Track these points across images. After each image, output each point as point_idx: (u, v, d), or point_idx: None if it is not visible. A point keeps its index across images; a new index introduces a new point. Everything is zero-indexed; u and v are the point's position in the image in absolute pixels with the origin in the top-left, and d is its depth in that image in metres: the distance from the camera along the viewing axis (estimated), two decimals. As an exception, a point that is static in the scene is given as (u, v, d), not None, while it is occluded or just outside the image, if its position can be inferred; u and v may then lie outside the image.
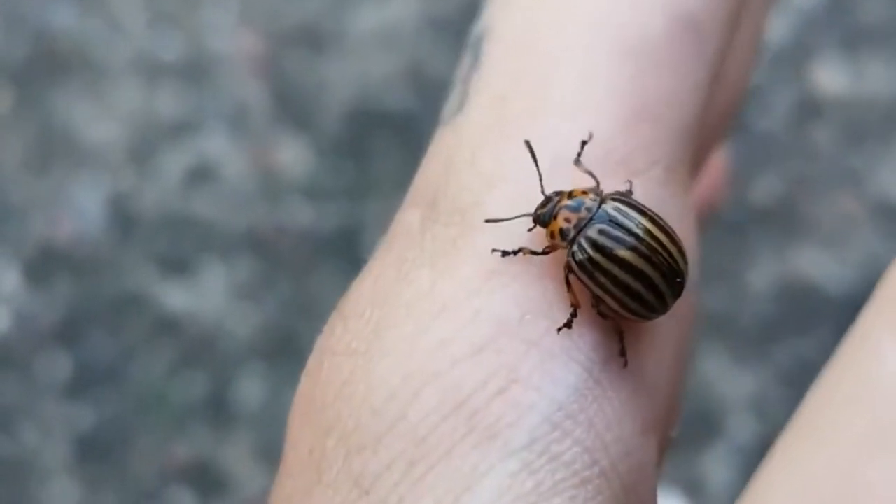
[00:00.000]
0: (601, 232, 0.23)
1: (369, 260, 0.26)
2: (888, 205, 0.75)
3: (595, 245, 0.22)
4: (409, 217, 0.25)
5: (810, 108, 0.76)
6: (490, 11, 0.27)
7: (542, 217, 0.23)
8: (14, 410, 0.74)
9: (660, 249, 0.23)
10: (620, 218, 0.22)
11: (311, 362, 0.25)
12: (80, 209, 0.79)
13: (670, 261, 0.23)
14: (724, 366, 0.72)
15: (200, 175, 0.78)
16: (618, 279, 0.22)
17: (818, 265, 0.74)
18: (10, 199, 0.79)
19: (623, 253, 0.22)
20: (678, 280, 0.23)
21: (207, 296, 0.76)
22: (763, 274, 0.74)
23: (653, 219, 0.23)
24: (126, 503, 0.72)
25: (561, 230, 0.23)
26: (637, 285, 0.22)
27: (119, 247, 0.78)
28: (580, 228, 0.23)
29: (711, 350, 0.72)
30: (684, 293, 0.24)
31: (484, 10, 0.27)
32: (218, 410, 0.73)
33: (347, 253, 0.75)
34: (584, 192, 0.23)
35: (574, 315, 0.23)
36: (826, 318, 0.73)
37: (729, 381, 0.72)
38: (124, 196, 0.79)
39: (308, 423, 0.25)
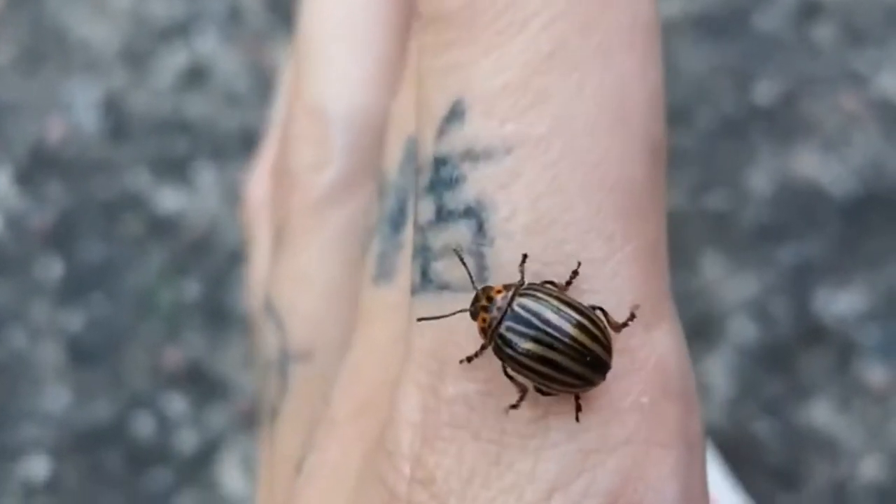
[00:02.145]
0: (507, 329, 0.24)
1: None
2: (891, 105, 0.73)
3: (504, 340, 0.24)
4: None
5: (812, 8, 0.73)
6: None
7: (471, 314, 0.25)
8: (4, 314, 0.73)
9: (562, 335, 0.24)
10: (524, 314, 0.24)
11: None
12: (72, 111, 0.77)
13: (573, 344, 0.24)
14: (724, 269, 0.69)
15: (193, 76, 0.76)
16: (531, 367, 0.24)
17: (820, 166, 0.72)
18: (1, 101, 0.78)
19: (527, 345, 0.24)
20: (591, 359, 0.24)
21: (201, 197, 0.74)
22: (764, 175, 0.71)
23: (558, 308, 0.24)
24: (118, 408, 0.70)
25: (482, 329, 0.25)
26: (549, 370, 0.24)
27: (111, 149, 0.75)
28: (493, 327, 0.24)
29: (711, 253, 0.70)
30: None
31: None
32: (212, 315, 0.71)
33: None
34: (500, 291, 0.24)
35: (521, 398, 0.24)
36: (828, 220, 0.71)
37: (729, 284, 0.69)
38: (117, 97, 0.77)
39: None
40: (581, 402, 0.24)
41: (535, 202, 0.24)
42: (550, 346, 0.24)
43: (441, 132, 0.24)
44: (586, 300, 0.25)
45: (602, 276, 0.25)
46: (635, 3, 0.25)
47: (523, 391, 0.24)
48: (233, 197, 0.73)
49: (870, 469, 0.67)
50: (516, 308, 0.24)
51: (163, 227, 0.74)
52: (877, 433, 0.67)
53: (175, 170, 0.75)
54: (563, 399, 0.24)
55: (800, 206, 0.72)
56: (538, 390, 0.24)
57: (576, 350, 0.24)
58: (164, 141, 0.75)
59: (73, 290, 0.73)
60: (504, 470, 0.24)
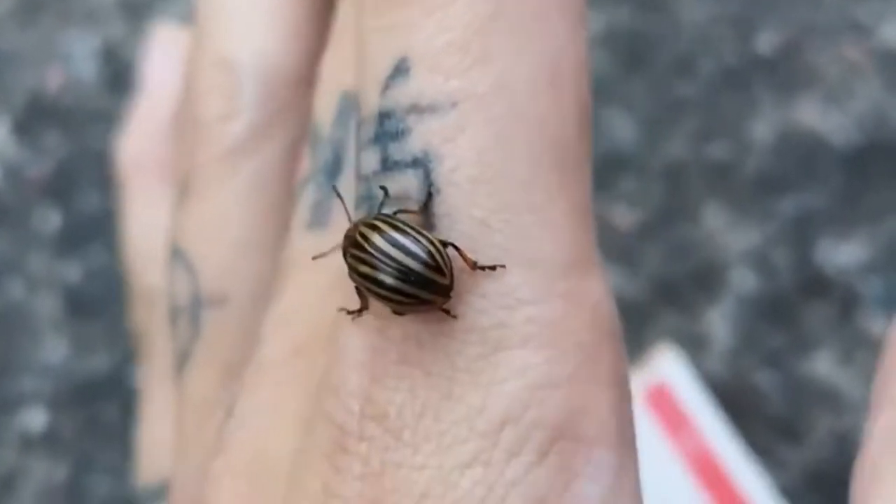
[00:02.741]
0: (350, 255, 0.26)
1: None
2: (894, 56, 0.72)
3: (348, 265, 0.26)
4: None
5: (815, -45, 0.73)
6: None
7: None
8: (2, 266, 0.72)
9: (387, 259, 0.25)
10: (360, 241, 0.26)
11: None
12: (71, 61, 0.76)
13: (399, 267, 0.25)
14: (725, 219, 0.69)
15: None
16: (371, 289, 0.26)
17: (822, 117, 0.71)
18: None
19: (362, 268, 0.26)
20: (423, 280, 0.25)
21: None
22: (766, 125, 0.71)
23: (387, 232, 0.25)
24: (116, 360, 0.70)
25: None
26: (385, 292, 0.25)
27: (110, 99, 0.74)
28: (344, 255, 0.26)
29: (713, 204, 0.69)
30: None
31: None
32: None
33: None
34: (353, 225, 0.26)
35: (360, 311, 0.26)
36: (830, 170, 0.70)
37: (731, 234, 0.69)
38: (115, 48, 0.76)
39: None
40: (526, 340, 0.25)
41: (480, 155, 0.25)
42: (378, 268, 0.25)
43: (385, 87, 0.26)
44: (529, 247, 0.25)
45: (542, 223, 0.25)
46: None
47: (365, 307, 0.26)
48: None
49: (872, 421, 0.66)
50: (358, 238, 0.26)
51: None
52: (878, 385, 0.67)
53: None
54: (511, 337, 0.25)
55: (801, 157, 0.71)
56: (395, 312, 0.26)
57: (401, 272, 0.25)
58: (162, 91, 0.74)
59: (71, 241, 0.72)
60: (455, 403, 0.25)
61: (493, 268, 0.25)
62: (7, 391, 0.70)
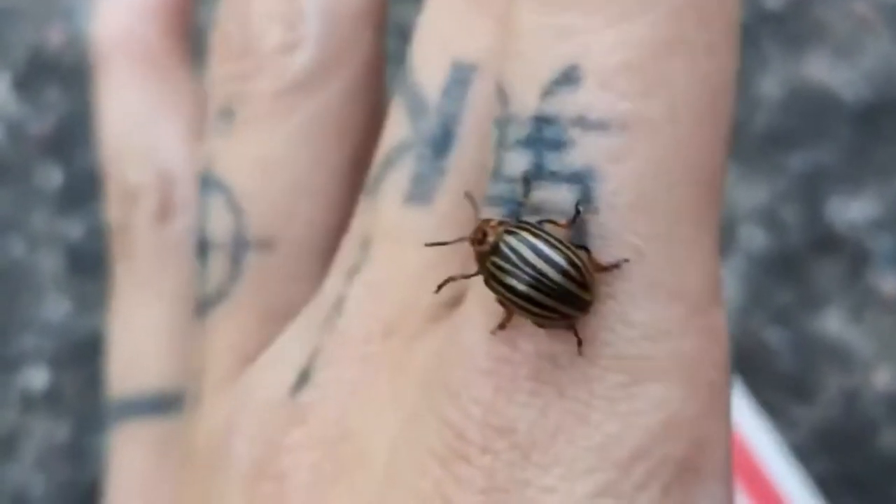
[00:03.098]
0: (492, 263, 0.25)
1: None
2: (904, 10, 0.70)
3: (490, 274, 0.25)
4: None
5: None
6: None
7: (470, 241, 0.26)
8: (4, 223, 0.72)
9: (539, 276, 0.25)
10: (507, 251, 0.25)
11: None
12: (73, 17, 0.75)
13: (551, 285, 0.24)
14: (735, 176, 0.68)
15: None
16: (515, 302, 0.25)
17: (831, 72, 0.70)
18: (0, 7, 0.76)
19: (508, 280, 0.25)
20: (571, 298, 0.24)
21: None
22: (775, 81, 0.70)
23: (540, 247, 0.25)
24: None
25: (476, 259, 0.25)
26: (529, 305, 0.25)
27: None
28: (482, 260, 0.25)
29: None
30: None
31: None
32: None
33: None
34: (494, 226, 0.25)
35: (503, 325, 0.25)
36: (839, 126, 0.69)
37: (740, 191, 0.68)
38: (116, 3, 0.74)
39: None
40: (666, 374, 0.25)
41: (641, 181, 0.24)
42: (528, 284, 0.25)
43: (548, 92, 0.25)
44: (677, 279, 0.25)
45: (690, 256, 0.25)
46: (734, 2, 0.26)
47: (505, 320, 0.25)
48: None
49: (882, 379, 0.66)
50: (501, 246, 0.25)
51: None
52: (889, 343, 0.67)
53: None
54: (652, 369, 0.25)
55: (811, 113, 0.70)
56: (536, 324, 0.25)
57: (551, 288, 0.24)
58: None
59: (72, 198, 0.72)
60: (592, 430, 0.24)
61: (617, 266, 0.25)
62: (8, 350, 0.70)
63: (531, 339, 0.25)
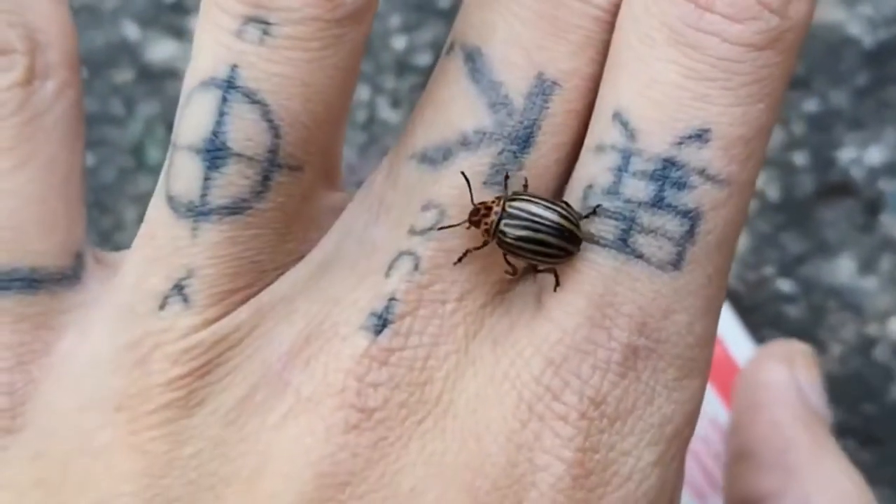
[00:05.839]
0: (506, 224, 0.32)
1: None
2: (922, -51, 0.68)
3: (504, 234, 0.32)
4: None
5: None
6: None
7: (474, 224, 0.32)
8: None
9: (547, 222, 0.32)
10: (515, 212, 0.32)
11: None
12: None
13: (556, 227, 0.32)
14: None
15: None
16: (526, 248, 0.32)
17: (847, 13, 0.68)
18: None
19: (521, 233, 0.32)
20: (569, 235, 0.32)
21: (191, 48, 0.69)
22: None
23: (539, 203, 0.32)
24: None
25: (486, 231, 0.32)
26: (539, 247, 0.32)
27: None
28: (495, 226, 0.32)
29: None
30: None
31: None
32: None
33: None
34: (493, 201, 0.32)
35: (513, 274, 0.33)
36: (854, 70, 0.68)
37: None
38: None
39: None
40: (700, 373, 0.33)
41: (726, 226, 0.32)
42: (537, 230, 0.32)
43: (681, 143, 0.31)
44: (721, 301, 0.33)
45: (725, 285, 0.33)
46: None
47: (515, 271, 0.33)
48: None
49: (897, 329, 0.66)
50: (509, 209, 0.32)
51: (153, 78, 0.71)
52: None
53: (167, 20, 0.71)
54: (693, 369, 0.32)
55: (825, 56, 0.68)
56: (532, 267, 0.33)
57: (555, 229, 0.32)
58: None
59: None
60: (655, 410, 0.31)
61: (595, 212, 0.32)
62: None
63: (622, 331, 0.31)
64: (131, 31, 0.71)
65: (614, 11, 0.32)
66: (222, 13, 0.32)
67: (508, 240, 0.32)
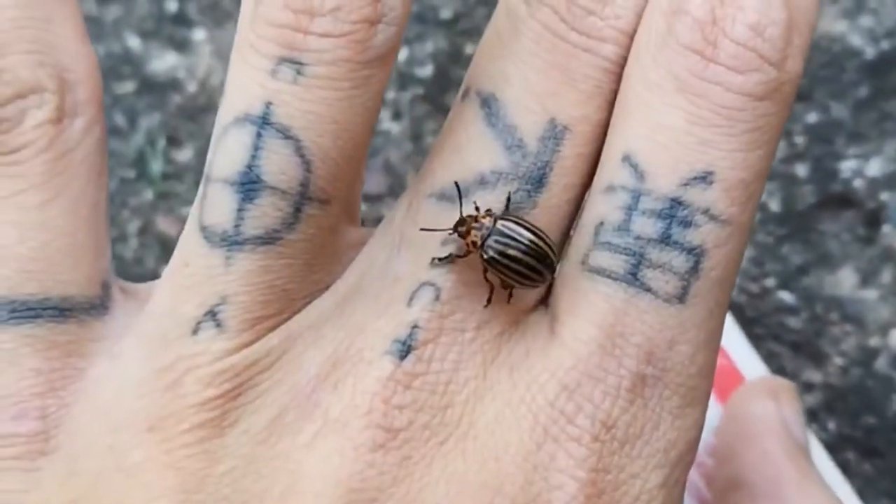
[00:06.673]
0: (495, 241, 0.34)
1: None
2: (923, -39, 0.68)
3: (493, 249, 0.34)
4: None
5: None
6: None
7: (460, 233, 0.34)
8: None
9: (532, 245, 0.34)
10: (505, 230, 0.34)
11: None
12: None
13: (539, 251, 0.34)
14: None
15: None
16: (509, 266, 0.34)
17: (850, 25, 0.68)
18: None
19: (507, 251, 0.34)
20: (548, 262, 0.34)
21: (196, 58, 0.70)
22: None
23: (527, 227, 0.34)
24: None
25: (473, 242, 0.34)
26: (521, 268, 0.34)
27: (100, 8, 0.72)
28: (484, 240, 0.34)
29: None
30: None
31: None
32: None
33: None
34: (484, 217, 0.34)
35: (492, 291, 0.34)
36: (855, 81, 0.67)
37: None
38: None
39: None
40: (700, 402, 0.34)
41: (727, 264, 0.33)
42: (525, 252, 0.34)
43: (686, 184, 0.33)
44: (721, 331, 0.35)
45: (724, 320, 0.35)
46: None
47: (492, 291, 0.34)
48: (224, 56, 0.69)
49: (898, 341, 0.66)
50: (500, 227, 0.34)
51: (155, 89, 0.70)
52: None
53: (169, 30, 0.71)
54: (695, 397, 0.34)
55: (826, 67, 0.68)
56: (506, 285, 0.34)
57: (539, 254, 0.34)
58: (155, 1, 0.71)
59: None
60: (660, 436, 0.33)
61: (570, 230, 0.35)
62: None
63: (631, 360, 0.33)
64: (133, 42, 0.71)
65: (622, 63, 0.34)
66: (257, 54, 0.33)
67: (492, 255, 0.34)
